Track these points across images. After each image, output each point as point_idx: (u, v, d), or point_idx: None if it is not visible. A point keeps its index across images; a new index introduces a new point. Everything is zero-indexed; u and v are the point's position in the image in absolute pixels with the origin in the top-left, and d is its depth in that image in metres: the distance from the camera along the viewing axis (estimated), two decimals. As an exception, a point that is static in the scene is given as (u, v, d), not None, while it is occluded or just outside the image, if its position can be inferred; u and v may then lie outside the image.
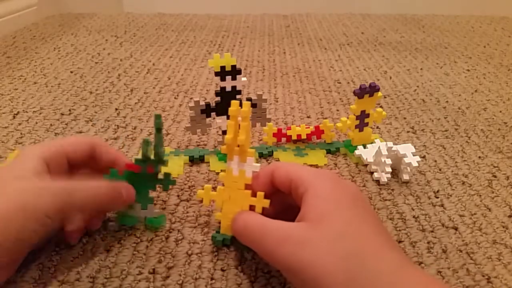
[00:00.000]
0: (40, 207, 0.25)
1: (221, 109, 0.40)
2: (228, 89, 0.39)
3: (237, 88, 0.39)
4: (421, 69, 0.73)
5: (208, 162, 0.43)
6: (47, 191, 0.26)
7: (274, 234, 0.25)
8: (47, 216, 0.26)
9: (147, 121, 0.51)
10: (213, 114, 0.40)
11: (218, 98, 0.39)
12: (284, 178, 0.28)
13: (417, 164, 0.39)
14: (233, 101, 0.29)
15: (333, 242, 0.23)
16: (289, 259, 0.23)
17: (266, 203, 0.29)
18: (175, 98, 0.58)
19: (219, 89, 0.39)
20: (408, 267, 0.23)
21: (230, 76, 0.38)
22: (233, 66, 0.38)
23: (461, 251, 0.32)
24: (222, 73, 0.38)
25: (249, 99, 0.41)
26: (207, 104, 0.39)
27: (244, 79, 0.39)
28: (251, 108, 0.41)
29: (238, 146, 0.29)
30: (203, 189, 0.31)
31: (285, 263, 0.24)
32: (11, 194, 0.25)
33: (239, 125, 0.30)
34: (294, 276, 0.24)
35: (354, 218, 0.25)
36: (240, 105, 0.30)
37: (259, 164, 0.30)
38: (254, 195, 0.29)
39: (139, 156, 0.31)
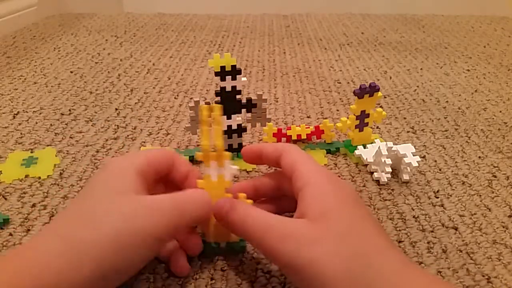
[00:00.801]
0: (154, 230, 0.23)
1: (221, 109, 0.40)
2: (228, 89, 0.39)
3: (237, 88, 0.39)
4: (421, 69, 0.73)
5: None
6: (158, 212, 0.24)
7: (276, 230, 0.24)
8: (159, 240, 0.24)
9: (147, 121, 0.51)
10: (213, 114, 0.40)
11: (218, 98, 0.39)
12: (289, 166, 0.28)
13: (417, 164, 0.39)
14: (203, 106, 0.28)
15: (337, 241, 0.23)
16: (291, 256, 0.23)
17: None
18: (175, 98, 0.58)
19: (219, 89, 0.39)
20: (410, 266, 0.23)
21: (230, 76, 0.38)
22: (233, 66, 0.38)
23: (461, 251, 0.32)
24: (222, 73, 0.38)
25: (249, 99, 0.41)
26: (207, 104, 0.39)
27: (244, 79, 0.39)
28: (252, 108, 0.41)
29: (214, 150, 0.28)
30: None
31: (286, 261, 0.23)
32: (120, 214, 0.23)
33: (211, 129, 0.28)
34: (295, 274, 0.23)
35: (357, 218, 0.25)
36: (209, 111, 0.28)
37: (236, 167, 0.29)
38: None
39: None
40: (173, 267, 0.28)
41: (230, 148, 0.43)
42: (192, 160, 0.43)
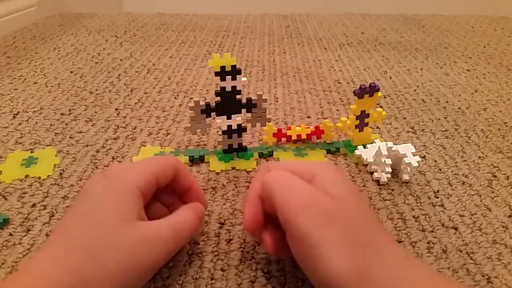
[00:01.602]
0: (155, 261, 0.24)
1: (221, 109, 0.40)
2: (228, 89, 0.39)
3: (237, 88, 0.39)
4: (421, 69, 0.72)
5: (208, 162, 0.43)
6: (159, 241, 0.24)
7: (302, 193, 0.25)
8: (158, 267, 0.25)
9: (147, 121, 0.51)
10: (213, 114, 0.40)
11: (218, 98, 0.39)
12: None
13: (417, 164, 0.39)
14: None
15: (352, 227, 0.23)
16: (310, 225, 0.23)
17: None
18: (175, 98, 0.58)
19: (219, 89, 0.39)
20: (413, 260, 0.23)
21: (230, 76, 0.38)
22: (233, 66, 0.38)
23: (461, 251, 0.32)
24: (222, 73, 0.38)
25: (249, 99, 0.41)
26: (207, 104, 0.39)
27: (244, 79, 0.39)
28: (252, 108, 0.41)
29: None
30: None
31: (304, 229, 0.23)
32: (126, 248, 0.23)
33: None
34: (303, 247, 0.23)
35: (364, 208, 0.26)
36: None
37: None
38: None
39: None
40: None
41: (230, 148, 0.43)
42: (193, 160, 0.43)
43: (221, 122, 0.41)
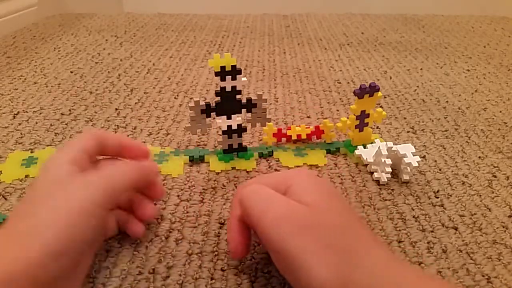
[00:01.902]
0: (92, 198, 0.25)
1: (221, 109, 0.40)
2: (228, 89, 0.39)
3: (237, 88, 0.39)
4: (421, 69, 0.72)
5: (208, 162, 0.43)
6: (91, 184, 0.26)
7: (277, 205, 0.24)
8: (100, 207, 0.26)
9: (147, 121, 0.51)
10: (213, 114, 0.40)
11: (218, 98, 0.39)
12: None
13: (417, 164, 0.39)
14: None
15: (330, 235, 0.23)
16: (286, 239, 0.23)
17: None
18: (175, 98, 0.58)
19: (219, 89, 0.39)
20: (397, 262, 0.23)
21: (230, 76, 0.38)
22: (233, 66, 0.38)
23: (461, 251, 0.32)
24: (222, 73, 0.38)
25: (249, 99, 0.41)
26: (207, 104, 0.39)
27: (244, 79, 0.39)
28: (252, 108, 0.41)
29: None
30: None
31: (281, 243, 0.23)
32: (61, 198, 0.24)
33: None
34: (283, 261, 0.23)
35: (344, 212, 0.25)
36: None
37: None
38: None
39: None
40: (129, 232, 0.31)
41: (230, 148, 0.43)
42: (193, 160, 0.43)
43: (221, 122, 0.41)
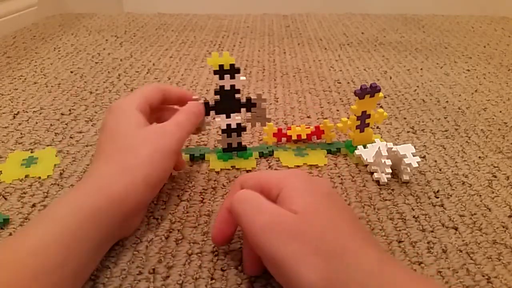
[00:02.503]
0: (169, 146, 0.32)
1: (220, 107, 0.40)
2: (227, 87, 0.39)
3: (236, 87, 0.39)
4: (421, 69, 0.73)
5: (209, 161, 0.43)
6: (168, 133, 0.33)
7: (265, 213, 0.25)
8: (175, 152, 0.33)
9: (147, 121, 0.51)
10: (212, 113, 0.40)
11: (218, 97, 0.39)
12: (253, 187, 0.28)
13: (417, 165, 0.39)
14: None
15: (318, 240, 0.23)
16: (275, 245, 0.23)
17: None
18: (175, 98, 0.58)
19: (218, 87, 0.39)
20: (388, 264, 0.23)
21: (229, 75, 0.38)
22: (232, 65, 0.38)
23: (461, 251, 0.32)
24: (220, 72, 0.38)
25: (248, 98, 0.41)
26: (206, 103, 0.39)
27: (243, 78, 0.39)
28: (251, 107, 0.41)
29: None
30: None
31: (270, 249, 0.23)
32: (147, 141, 0.31)
33: None
34: (274, 266, 0.24)
35: (334, 215, 0.25)
36: None
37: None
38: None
39: None
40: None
41: (229, 147, 0.43)
42: (193, 158, 0.43)
43: (220, 120, 0.41)
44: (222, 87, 0.39)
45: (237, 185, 0.29)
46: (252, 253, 0.28)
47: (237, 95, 0.40)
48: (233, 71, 0.38)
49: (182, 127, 0.34)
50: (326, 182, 0.28)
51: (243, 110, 0.41)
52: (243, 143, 0.43)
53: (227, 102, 0.40)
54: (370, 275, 0.22)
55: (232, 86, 0.39)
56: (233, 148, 0.43)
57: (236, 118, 0.41)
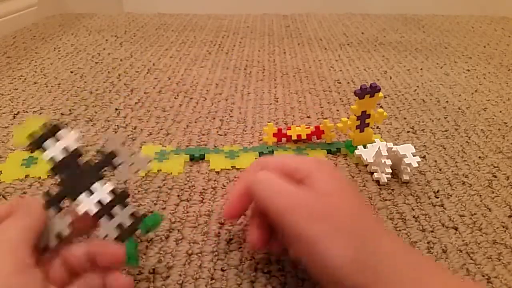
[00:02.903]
0: None
1: (69, 187, 0.26)
2: (62, 155, 0.26)
3: (71, 148, 0.26)
4: (421, 69, 0.73)
5: (209, 161, 0.43)
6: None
7: (290, 196, 0.25)
8: None
9: (147, 121, 0.51)
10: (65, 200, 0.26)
11: (58, 177, 0.26)
12: (276, 169, 0.28)
13: (417, 165, 0.39)
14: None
15: (347, 223, 0.23)
16: (303, 225, 0.23)
17: None
18: (175, 98, 0.58)
19: (58, 180, 0.26)
20: (413, 251, 0.24)
21: (50, 140, 0.26)
22: (47, 127, 0.26)
23: (461, 251, 0.32)
24: (38, 143, 0.26)
25: (101, 153, 0.27)
26: (46, 193, 0.25)
27: (72, 132, 0.27)
28: (111, 161, 0.27)
29: None
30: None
31: (297, 229, 0.24)
32: None
33: None
34: (300, 245, 0.24)
35: (358, 201, 0.26)
36: None
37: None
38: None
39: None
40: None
41: (123, 232, 0.26)
42: (193, 158, 0.43)
43: (84, 204, 0.26)
44: (56, 160, 0.26)
45: (257, 166, 0.29)
46: (259, 228, 0.28)
47: (80, 160, 0.27)
48: (53, 131, 0.26)
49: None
50: (345, 175, 0.29)
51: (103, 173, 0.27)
52: (139, 214, 0.26)
53: (74, 176, 0.26)
54: (396, 257, 0.22)
55: (66, 150, 0.26)
56: (129, 228, 0.26)
57: (103, 188, 0.26)
